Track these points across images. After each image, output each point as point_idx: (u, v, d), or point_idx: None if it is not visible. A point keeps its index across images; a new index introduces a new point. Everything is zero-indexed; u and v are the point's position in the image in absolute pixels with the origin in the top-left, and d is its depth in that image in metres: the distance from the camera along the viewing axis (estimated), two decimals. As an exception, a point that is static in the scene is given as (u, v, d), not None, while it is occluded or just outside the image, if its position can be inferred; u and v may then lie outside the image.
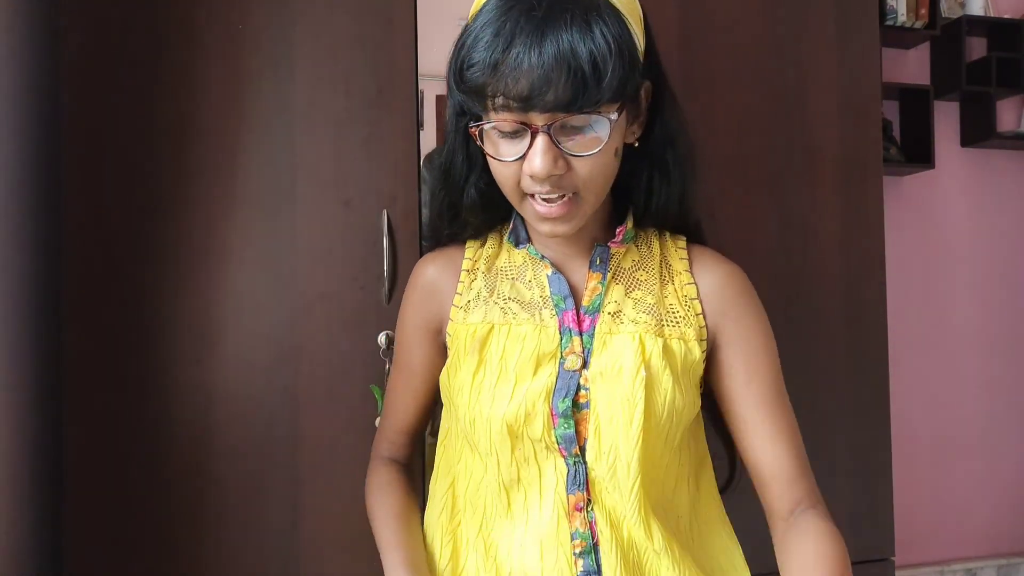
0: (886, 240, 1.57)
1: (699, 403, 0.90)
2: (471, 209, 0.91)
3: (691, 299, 0.89)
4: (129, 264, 1.19)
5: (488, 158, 0.84)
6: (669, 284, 0.90)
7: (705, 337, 0.89)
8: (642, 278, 0.90)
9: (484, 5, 0.80)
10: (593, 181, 0.81)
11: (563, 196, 0.81)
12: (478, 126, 0.81)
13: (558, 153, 0.78)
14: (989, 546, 2.85)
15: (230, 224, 1.23)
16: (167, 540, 1.19)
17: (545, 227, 0.83)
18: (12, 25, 1.15)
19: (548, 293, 0.89)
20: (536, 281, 0.90)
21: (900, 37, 2.65)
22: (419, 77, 1.30)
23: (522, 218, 0.91)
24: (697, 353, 0.87)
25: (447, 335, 0.94)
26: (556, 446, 0.83)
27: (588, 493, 0.84)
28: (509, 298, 0.89)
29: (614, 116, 0.78)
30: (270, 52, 1.24)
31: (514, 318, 0.88)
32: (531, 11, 0.75)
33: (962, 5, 2.79)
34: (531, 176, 0.79)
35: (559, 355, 0.85)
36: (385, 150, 1.27)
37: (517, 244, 0.92)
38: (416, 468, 1.00)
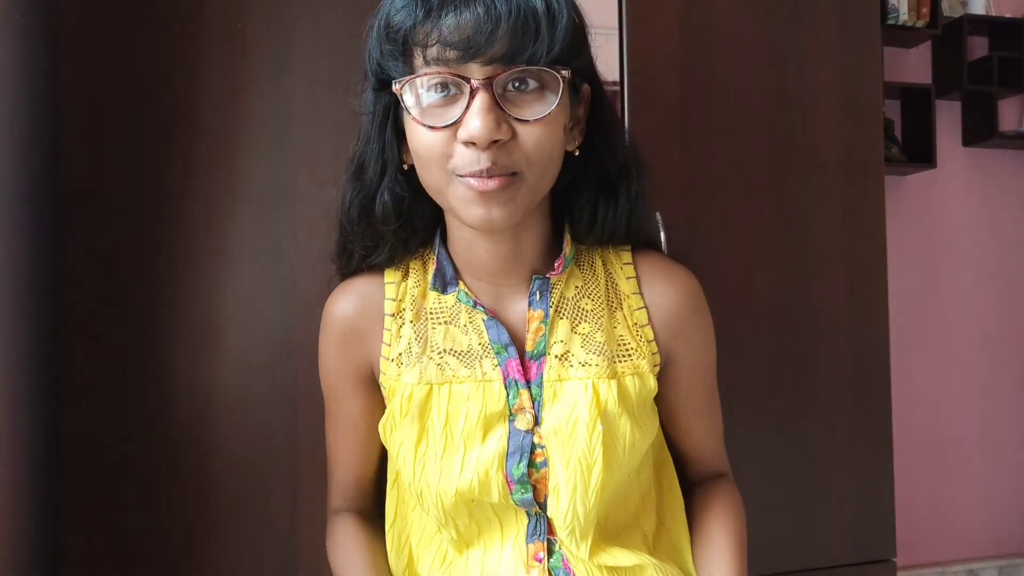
0: (887, 240, 1.57)
1: (657, 421, 0.85)
2: (385, 214, 0.77)
3: (642, 326, 0.81)
4: (128, 264, 1.19)
5: (410, 132, 0.71)
6: (618, 311, 0.81)
7: (658, 363, 0.82)
8: (587, 307, 0.80)
9: None
10: (539, 155, 0.69)
11: (502, 176, 0.68)
12: (403, 81, 0.68)
13: (501, 115, 0.66)
14: (990, 547, 2.85)
15: (230, 224, 1.22)
16: (166, 540, 1.19)
17: (478, 211, 0.69)
18: (12, 25, 1.15)
19: (487, 340, 0.78)
20: (472, 325, 0.79)
21: (901, 36, 2.65)
22: (419, 77, 1.30)
23: (448, 255, 0.80)
24: (652, 382, 0.81)
25: (380, 384, 0.83)
26: (514, 507, 0.78)
27: (548, 542, 0.79)
28: (444, 350, 0.78)
29: (566, 75, 0.68)
30: (270, 52, 1.24)
31: (453, 375, 0.77)
32: None
33: (963, 4, 2.78)
34: (468, 141, 0.67)
35: (507, 413, 0.77)
36: (385, 150, 1.27)
37: (444, 290, 0.80)
38: (379, 511, 0.91)
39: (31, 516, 1.15)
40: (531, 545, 0.79)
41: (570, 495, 0.75)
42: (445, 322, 0.80)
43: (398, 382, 0.79)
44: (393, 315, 0.81)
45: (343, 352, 0.84)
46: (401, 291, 0.82)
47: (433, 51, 0.66)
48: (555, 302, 0.79)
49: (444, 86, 0.68)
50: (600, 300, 0.81)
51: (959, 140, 2.85)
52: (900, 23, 2.58)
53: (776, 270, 1.48)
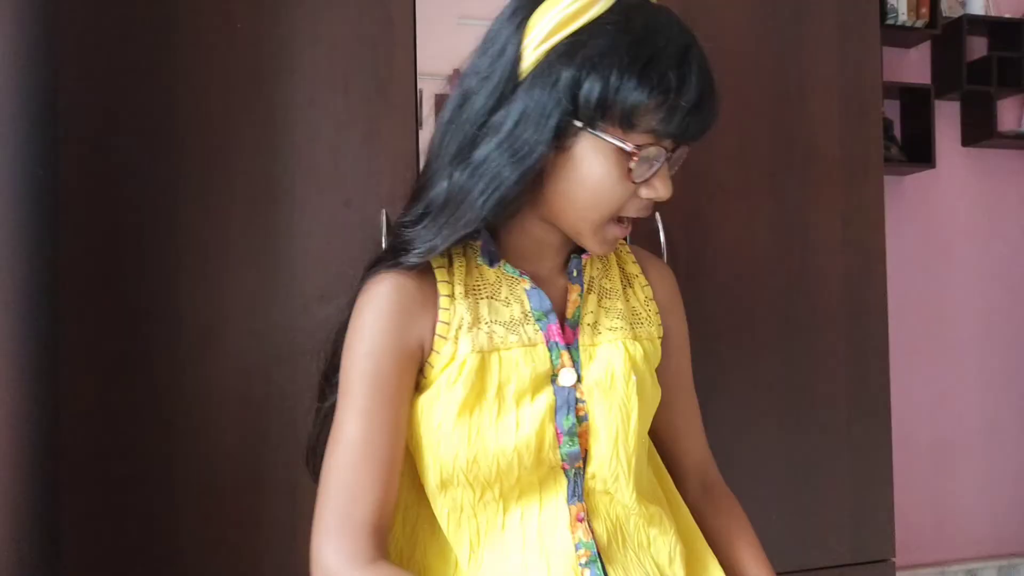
0: (887, 240, 1.57)
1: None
2: (497, 210, 0.79)
3: (649, 300, 0.94)
4: (127, 264, 1.19)
5: (598, 171, 0.78)
6: (629, 288, 0.94)
7: (661, 334, 0.95)
8: (607, 285, 0.92)
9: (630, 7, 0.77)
10: None
11: None
12: (642, 146, 0.77)
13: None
14: (989, 547, 2.85)
15: (229, 223, 1.22)
16: (166, 540, 1.19)
17: (608, 247, 0.84)
18: (12, 24, 1.15)
19: (528, 308, 0.86)
20: (513, 296, 0.86)
21: (901, 36, 2.65)
22: (418, 76, 1.30)
23: (491, 234, 0.86)
24: (659, 349, 0.94)
25: (428, 362, 0.84)
26: (560, 463, 0.83)
27: (584, 503, 0.84)
28: (491, 321, 0.84)
29: None
30: (270, 52, 1.24)
31: (502, 342, 0.83)
32: (683, 31, 0.78)
33: (963, 4, 2.79)
34: (653, 199, 0.81)
35: (551, 372, 0.84)
36: (384, 149, 1.27)
37: (491, 263, 0.86)
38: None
39: (31, 517, 1.15)
40: (572, 507, 0.83)
41: (612, 441, 0.83)
42: (489, 296, 0.86)
43: (453, 356, 0.82)
44: (448, 295, 0.84)
45: (398, 328, 0.82)
46: (451, 275, 0.86)
47: (672, 129, 0.76)
48: (586, 279, 0.90)
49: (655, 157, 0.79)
50: (616, 279, 0.93)
51: (958, 140, 2.85)
52: (899, 23, 2.58)
53: (775, 270, 1.48)
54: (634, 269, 0.96)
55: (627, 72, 0.74)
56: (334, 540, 0.77)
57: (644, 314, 0.93)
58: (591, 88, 0.74)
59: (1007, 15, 2.83)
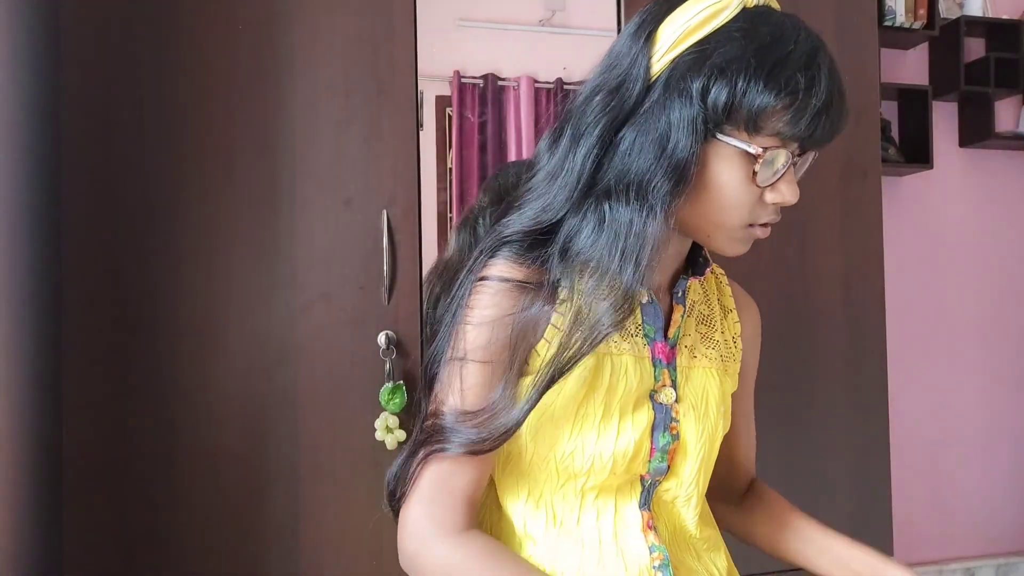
0: (884, 240, 1.58)
1: None
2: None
3: (736, 337, 0.95)
4: (129, 264, 1.19)
5: (725, 175, 0.77)
6: (723, 320, 0.94)
7: (739, 371, 0.96)
8: (705, 312, 0.92)
9: (758, 11, 0.77)
10: None
11: None
12: (768, 149, 0.75)
13: None
14: (988, 546, 2.86)
15: (230, 224, 1.23)
16: (166, 540, 1.19)
17: (742, 249, 0.83)
18: (12, 24, 1.15)
19: (640, 320, 0.85)
20: None
21: (899, 38, 2.66)
22: (419, 77, 1.30)
23: None
24: (737, 383, 0.95)
25: (536, 351, 0.82)
26: (643, 474, 0.85)
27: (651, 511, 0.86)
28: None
29: None
30: (270, 52, 1.25)
31: (616, 347, 0.83)
32: (810, 35, 0.77)
33: (960, 5, 2.79)
34: (780, 204, 0.79)
35: (651, 389, 0.85)
36: (385, 150, 1.28)
37: None
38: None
39: (32, 517, 1.15)
40: (644, 513, 0.85)
41: (698, 464, 0.85)
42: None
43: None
44: (564, 300, 0.82)
45: (521, 312, 0.80)
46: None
47: (799, 131, 0.75)
48: (688, 303, 0.90)
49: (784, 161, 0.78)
50: (714, 308, 0.94)
51: (956, 141, 2.85)
52: (897, 24, 2.59)
53: (774, 270, 1.48)
54: (729, 303, 0.96)
55: (754, 75, 0.74)
56: (427, 506, 0.78)
57: (732, 350, 0.94)
58: (718, 93, 0.74)
59: (1005, 16, 2.84)
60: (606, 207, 0.78)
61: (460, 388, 0.79)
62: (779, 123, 0.75)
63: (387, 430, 1.24)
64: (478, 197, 0.98)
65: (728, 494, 1.03)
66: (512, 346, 0.79)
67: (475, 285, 0.81)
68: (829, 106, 0.76)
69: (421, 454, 0.78)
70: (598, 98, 0.79)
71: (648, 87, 0.78)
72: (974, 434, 2.86)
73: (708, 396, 0.87)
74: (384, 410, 1.24)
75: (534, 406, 0.77)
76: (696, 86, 0.75)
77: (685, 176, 0.75)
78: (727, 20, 0.76)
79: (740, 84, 0.74)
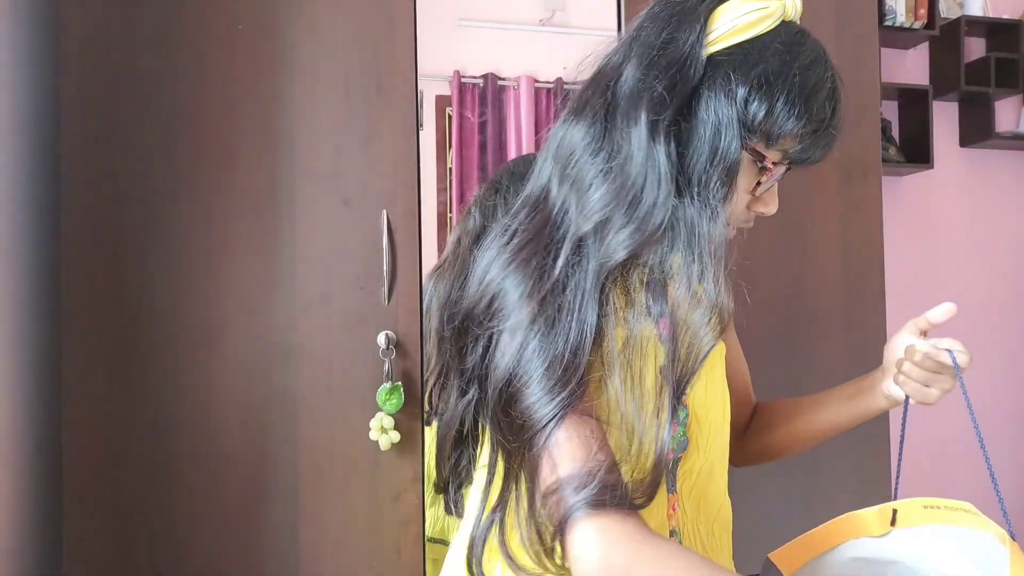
0: (885, 240, 1.58)
1: None
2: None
3: None
4: (128, 264, 1.19)
5: (730, 185, 0.78)
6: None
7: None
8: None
9: (799, 37, 0.79)
10: None
11: None
12: (777, 163, 0.80)
13: None
14: (987, 546, 2.86)
15: (230, 224, 1.23)
16: (166, 540, 1.19)
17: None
18: (12, 24, 1.15)
19: (645, 302, 0.84)
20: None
21: (899, 37, 2.66)
22: (419, 77, 1.30)
23: None
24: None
25: None
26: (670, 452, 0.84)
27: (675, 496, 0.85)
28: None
29: None
30: (270, 52, 1.25)
31: (636, 322, 0.81)
32: (830, 62, 0.81)
33: (961, 5, 2.79)
34: (762, 214, 0.83)
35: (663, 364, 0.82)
36: (385, 150, 1.28)
37: None
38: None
39: (32, 517, 1.16)
40: (670, 496, 0.84)
41: (711, 432, 0.87)
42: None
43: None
44: None
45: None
46: None
47: (806, 154, 0.79)
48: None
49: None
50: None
51: (956, 141, 2.86)
52: (897, 24, 2.59)
53: (774, 270, 1.48)
54: None
55: (793, 100, 0.76)
56: (607, 478, 0.70)
57: None
58: (759, 107, 0.76)
59: (1005, 16, 2.84)
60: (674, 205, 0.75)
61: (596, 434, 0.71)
62: (793, 143, 0.78)
63: (382, 430, 1.24)
64: (491, 180, 0.96)
65: (737, 432, 1.04)
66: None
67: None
68: (837, 135, 0.81)
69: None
70: (657, 76, 0.74)
71: (704, 73, 0.76)
72: (974, 434, 2.86)
73: (712, 363, 0.88)
74: (380, 410, 1.24)
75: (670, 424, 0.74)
76: (741, 93, 0.75)
77: (733, 179, 0.76)
78: (769, 29, 0.78)
79: (779, 105, 0.76)
